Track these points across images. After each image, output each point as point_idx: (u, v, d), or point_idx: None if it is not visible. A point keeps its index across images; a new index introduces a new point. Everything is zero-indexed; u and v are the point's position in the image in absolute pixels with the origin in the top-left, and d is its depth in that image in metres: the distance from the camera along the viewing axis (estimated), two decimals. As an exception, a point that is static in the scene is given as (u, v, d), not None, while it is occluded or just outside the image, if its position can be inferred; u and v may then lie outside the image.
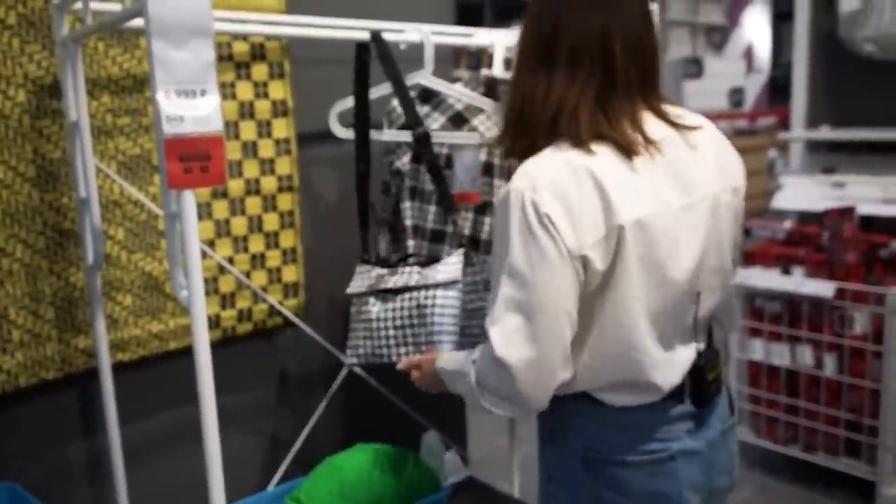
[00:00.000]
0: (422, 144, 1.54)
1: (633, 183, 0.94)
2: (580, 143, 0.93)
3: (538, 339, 0.93)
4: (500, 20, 7.39)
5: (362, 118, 1.57)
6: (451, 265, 1.47)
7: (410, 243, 1.68)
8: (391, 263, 1.55)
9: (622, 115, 0.96)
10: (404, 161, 1.70)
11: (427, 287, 1.44)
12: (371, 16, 1.75)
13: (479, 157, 1.63)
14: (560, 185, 0.92)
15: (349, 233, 1.66)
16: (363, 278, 1.54)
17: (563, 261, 0.91)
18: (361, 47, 1.52)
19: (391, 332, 1.46)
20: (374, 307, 1.48)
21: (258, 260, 1.74)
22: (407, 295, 1.46)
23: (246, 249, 1.72)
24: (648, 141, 0.96)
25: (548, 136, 0.97)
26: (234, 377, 1.73)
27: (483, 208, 1.66)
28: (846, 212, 2.41)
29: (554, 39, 0.97)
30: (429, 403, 1.96)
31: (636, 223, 0.93)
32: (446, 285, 1.43)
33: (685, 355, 1.04)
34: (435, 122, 1.68)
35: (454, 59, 2.24)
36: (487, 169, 1.66)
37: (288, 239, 1.78)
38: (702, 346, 1.07)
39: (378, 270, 1.53)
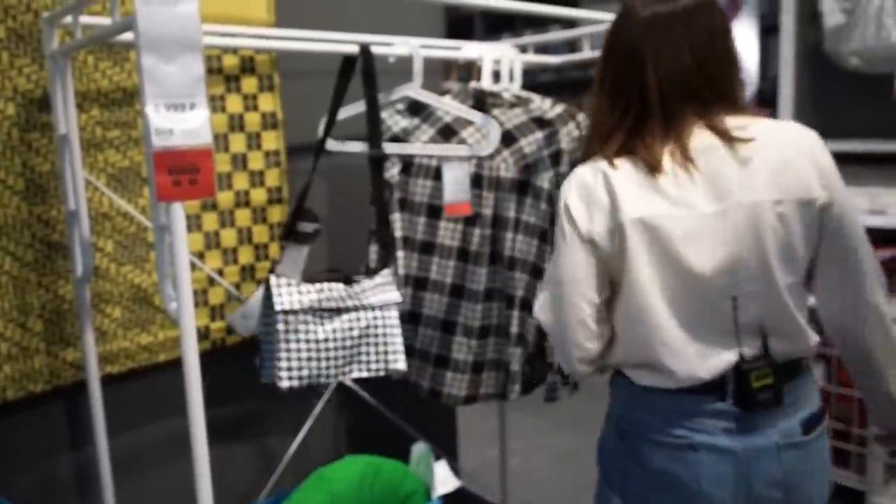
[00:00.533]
0: (373, 166, 1.56)
1: (647, 189, 1.08)
2: (608, 158, 1.12)
3: (556, 307, 1.15)
4: (491, 33, 7.44)
5: (327, 130, 1.57)
6: (385, 286, 1.49)
7: (400, 254, 1.69)
8: (313, 279, 1.48)
9: (658, 136, 1.10)
10: (393, 173, 1.71)
11: (373, 308, 1.45)
12: (361, 29, 1.77)
13: (467, 169, 1.64)
14: (584, 186, 1.12)
15: (339, 244, 1.66)
16: (290, 292, 1.42)
17: (577, 242, 1.11)
18: (347, 61, 1.54)
19: (339, 353, 1.42)
20: (318, 327, 1.41)
21: (248, 272, 1.75)
22: (353, 314, 1.44)
23: (235, 261, 1.73)
24: (686, 155, 1.08)
25: (597, 150, 1.14)
26: (223, 389, 1.73)
27: (472, 219, 1.67)
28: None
29: (604, 67, 1.15)
30: (419, 414, 1.96)
31: (638, 220, 1.08)
32: (388, 306, 1.47)
33: (726, 357, 1.10)
34: (424, 134, 1.70)
35: (445, 71, 2.26)
36: (476, 181, 1.67)
37: (277, 251, 1.78)
38: (750, 351, 1.10)
39: (304, 286, 1.44)
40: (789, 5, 2.70)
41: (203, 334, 1.67)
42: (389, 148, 1.66)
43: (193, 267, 1.64)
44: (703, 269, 1.07)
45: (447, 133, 1.69)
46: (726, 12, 1.14)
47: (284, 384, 1.40)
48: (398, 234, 1.69)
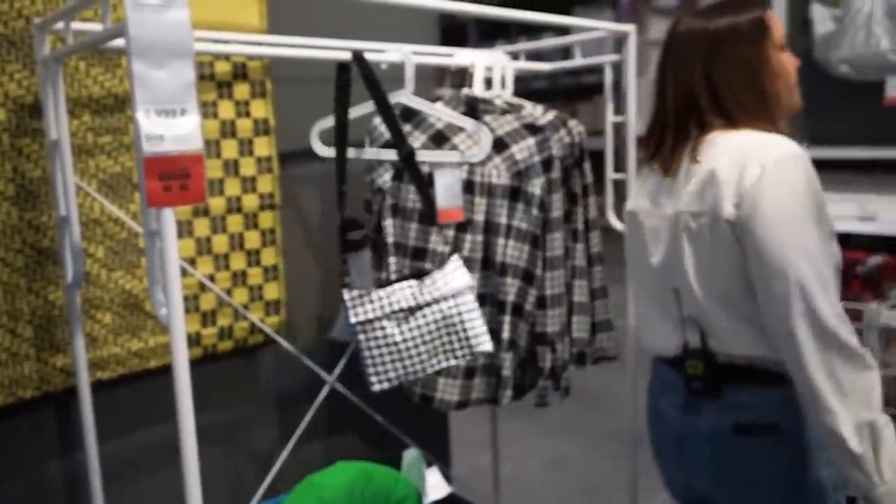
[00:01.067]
0: (408, 163, 1.55)
1: (649, 188, 1.28)
2: (646, 159, 1.31)
3: None
4: (485, 40, 7.47)
5: (341, 140, 1.57)
6: (457, 271, 1.52)
7: (392, 260, 1.69)
8: (382, 284, 1.53)
9: (668, 144, 1.23)
10: (385, 179, 1.71)
11: (444, 298, 1.48)
12: (355, 36, 1.77)
13: (459, 176, 1.65)
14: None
15: (331, 250, 1.67)
16: (362, 303, 1.47)
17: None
18: (342, 68, 1.54)
19: (421, 349, 1.47)
20: (395, 330, 1.46)
21: (239, 277, 1.75)
22: (427, 310, 1.48)
23: (227, 267, 1.73)
24: (677, 165, 1.21)
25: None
26: (215, 395, 1.73)
27: (464, 225, 1.67)
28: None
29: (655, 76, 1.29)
30: (411, 420, 1.96)
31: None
32: (461, 291, 1.50)
33: (675, 341, 1.24)
34: (416, 141, 1.70)
35: (439, 78, 2.27)
36: (469, 187, 1.68)
37: (269, 257, 1.78)
38: (692, 342, 1.20)
39: (377, 293, 1.48)
40: (780, 13, 2.72)
41: (194, 340, 1.67)
42: (382, 154, 1.66)
43: (185, 273, 1.64)
44: (654, 262, 1.25)
45: (439, 139, 1.70)
46: (763, 38, 1.19)
47: (375, 388, 1.48)
48: (390, 239, 1.69)
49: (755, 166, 1.09)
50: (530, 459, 2.89)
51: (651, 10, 6.95)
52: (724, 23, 1.18)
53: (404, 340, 1.46)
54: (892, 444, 1.05)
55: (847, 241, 2.52)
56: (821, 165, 2.84)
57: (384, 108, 1.53)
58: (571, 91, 6.97)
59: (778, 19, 1.23)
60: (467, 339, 1.49)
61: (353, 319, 1.45)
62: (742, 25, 1.18)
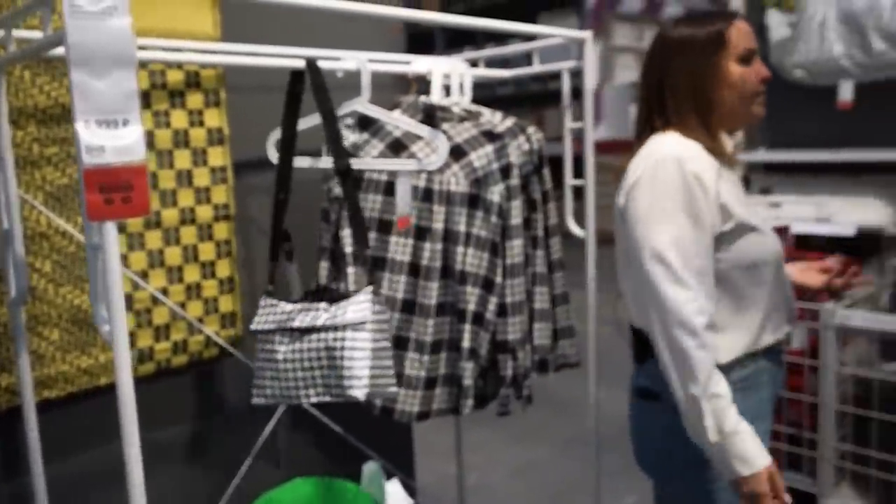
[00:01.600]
0: (343, 178, 1.49)
1: None
2: None
3: None
4: (452, 48, 7.47)
5: (287, 148, 1.54)
6: (360, 304, 1.40)
7: (350, 270, 1.67)
8: (298, 298, 1.49)
9: (636, 147, 1.34)
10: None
11: (336, 328, 1.38)
12: (315, 44, 1.75)
13: (416, 184, 1.63)
14: None
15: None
16: (269, 314, 1.45)
17: None
18: (295, 76, 1.52)
19: (299, 374, 1.39)
20: (281, 346, 1.40)
21: (194, 290, 1.71)
22: (315, 336, 1.38)
23: (181, 280, 1.69)
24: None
25: None
26: (169, 410, 1.69)
27: (424, 234, 1.66)
28: (781, 231, 2.48)
29: None
30: (373, 432, 1.94)
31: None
32: (355, 326, 1.37)
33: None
34: (374, 149, 1.69)
35: (406, 87, 2.26)
36: (427, 195, 1.66)
37: (224, 269, 1.75)
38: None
39: (285, 306, 1.44)
40: (735, 20, 2.76)
41: (147, 355, 1.63)
42: (323, 163, 1.64)
43: (136, 286, 1.60)
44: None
45: (397, 147, 1.68)
46: (718, 50, 1.26)
47: (253, 400, 1.44)
48: (348, 249, 1.67)
49: (640, 165, 1.25)
50: (496, 467, 2.88)
51: (615, 16, 7.03)
52: (686, 33, 1.28)
53: (285, 361, 1.38)
54: (717, 415, 1.16)
55: (805, 242, 2.57)
56: (778, 168, 2.90)
57: (329, 119, 1.49)
58: (538, 97, 7.01)
59: (746, 32, 1.28)
60: (341, 378, 1.35)
61: (252, 326, 1.44)
62: (699, 37, 1.27)
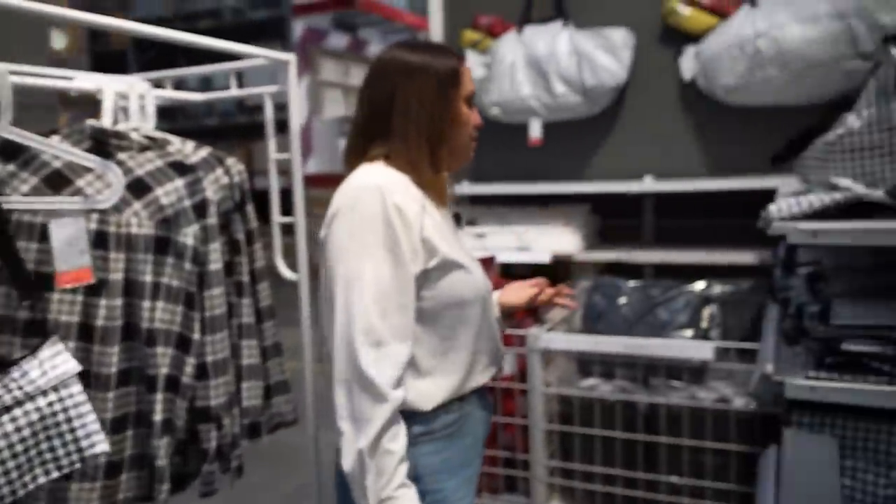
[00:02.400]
0: None
1: None
2: None
3: None
4: (147, 69, 6.84)
5: None
6: (54, 358, 1.18)
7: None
8: None
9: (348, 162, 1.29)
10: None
11: (43, 393, 1.15)
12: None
13: (84, 226, 1.33)
14: None
15: None
16: None
17: None
18: None
19: (10, 465, 1.11)
20: None
21: None
22: (18, 411, 1.12)
23: None
24: None
25: None
26: None
27: (97, 289, 1.35)
28: (487, 261, 2.57)
29: None
30: None
31: None
32: (64, 384, 1.17)
33: None
34: (24, 185, 1.34)
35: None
36: (101, 239, 1.36)
37: None
38: None
39: None
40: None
41: None
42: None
43: None
44: None
45: (57, 182, 1.35)
46: (453, 86, 1.22)
47: None
48: (-8, 312, 1.30)
49: (342, 195, 1.17)
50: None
51: (322, 51, 7.04)
52: (419, 60, 1.21)
53: None
54: (379, 477, 1.09)
55: (508, 270, 2.70)
56: (481, 200, 3.02)
57: None
58: (246, 129, 6.71)
59: (469, 76, 1.27)
60: (76, 440, 1.17)
61: None
62: (437, 67, 1.21)
